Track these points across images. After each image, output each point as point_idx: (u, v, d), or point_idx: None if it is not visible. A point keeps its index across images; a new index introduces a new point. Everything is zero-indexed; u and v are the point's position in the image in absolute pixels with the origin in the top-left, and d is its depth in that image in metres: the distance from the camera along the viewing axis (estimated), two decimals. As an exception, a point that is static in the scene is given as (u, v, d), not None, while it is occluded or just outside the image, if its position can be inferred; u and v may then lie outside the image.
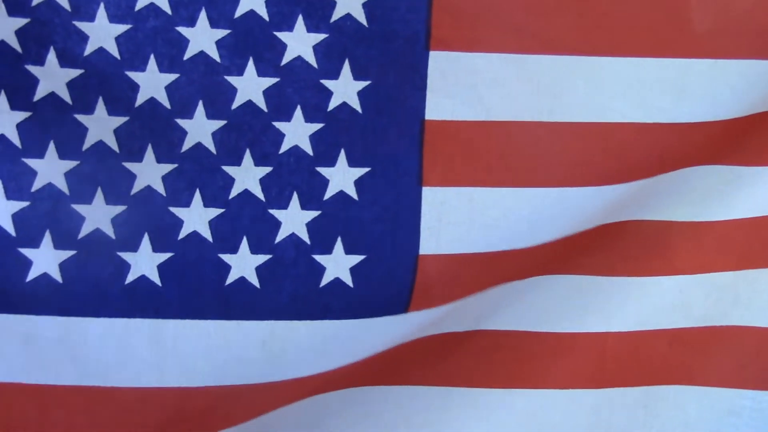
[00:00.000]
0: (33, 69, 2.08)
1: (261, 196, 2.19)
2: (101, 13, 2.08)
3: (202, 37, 2.13)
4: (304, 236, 2.21)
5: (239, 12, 2.13)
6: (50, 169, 2.12)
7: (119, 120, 2.12)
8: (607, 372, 2.44)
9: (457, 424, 2.41)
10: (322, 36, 2.16)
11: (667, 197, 2.40)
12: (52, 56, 2.07)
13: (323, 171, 2.21)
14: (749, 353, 2.47)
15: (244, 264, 2.20)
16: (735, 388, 2.47)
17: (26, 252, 2.13)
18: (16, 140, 2.10)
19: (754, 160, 2.37)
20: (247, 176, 2.18)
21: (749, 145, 2.38)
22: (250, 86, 2.16)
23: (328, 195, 2.21)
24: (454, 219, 2.25)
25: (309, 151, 2.19)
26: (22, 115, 2.09)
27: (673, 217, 2.40)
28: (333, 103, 2.19)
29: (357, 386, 2.36)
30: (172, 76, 2.13)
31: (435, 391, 2.39)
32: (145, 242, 2.16)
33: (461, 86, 2.22)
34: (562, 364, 2.43)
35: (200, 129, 2.15)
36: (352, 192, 2.22)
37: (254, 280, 2.20)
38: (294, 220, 2.21)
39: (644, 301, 2.42)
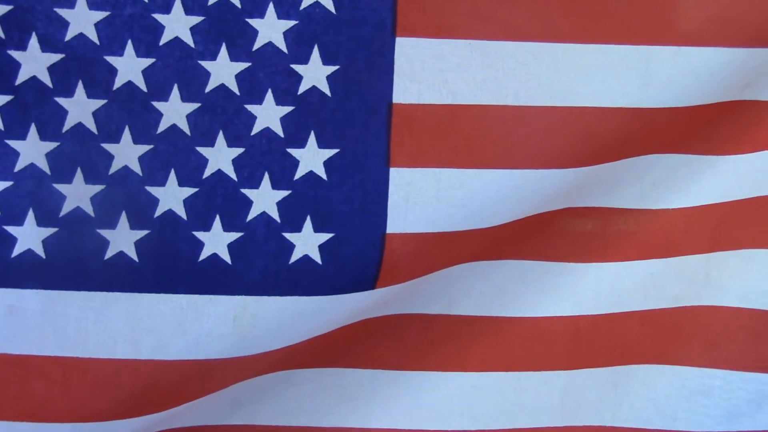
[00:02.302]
0: (15, 54, 2.11)
1: (233, 176, 2.22)
2: (81, 0, 2.12)
3: (177, 24, 2.16)
4: (275, 215, 2.24)
5: (212, -1, 2.17)
6: (32, 150, 2.14)
7: (98, 103, 2.15)
8: (579, 353, 2.47)
9: (433, 407, 2.45)
10: (292, 23, 2.19)
11: (638, 185, 2.42)
12: (33, 42, 2.11)
13: (293, 152, 2.23)
14: (719, 333, 2.49)
15: (216, 241, 2.22)
16: (705, 367, 2.49)
17: (10, 229, 2.16)
18: (-1, 122, 2.14)
19: (721, 149, 2.41)
20: (220, 157, 2.21)
21: (716, 135, 2.40)
22: (223, 71, 2.18)
23: (298, 175, 2.23)
24: (421, 199, 2.26)
25: (280, 132, 2.22)
26: (4, 99, 2.12)
27: (643, 205, 2.43)
28: (303, 87, 2.21)
29: (330, 366, 2.40)
30: (148, 61, 2.16)
31: (409, 376, 2.43)
32: (123, 220, 2.19)
33: (427, 71, 2.24)
34: (536, 347, 2.46)
35: (175, 111, 2.18)
36: (322, 172, 2.24)
37: (226, 257, 2.23)
38: (265, 199, 2.23)
39: (617, 285, 2.45)
